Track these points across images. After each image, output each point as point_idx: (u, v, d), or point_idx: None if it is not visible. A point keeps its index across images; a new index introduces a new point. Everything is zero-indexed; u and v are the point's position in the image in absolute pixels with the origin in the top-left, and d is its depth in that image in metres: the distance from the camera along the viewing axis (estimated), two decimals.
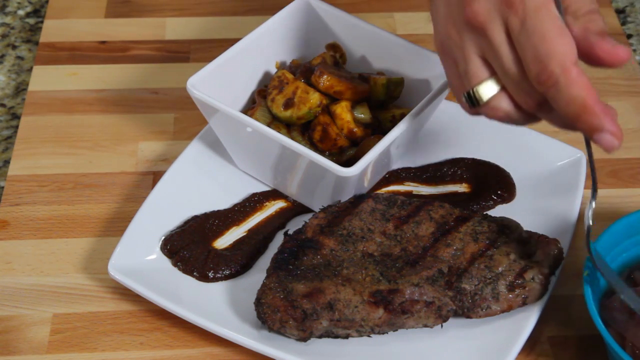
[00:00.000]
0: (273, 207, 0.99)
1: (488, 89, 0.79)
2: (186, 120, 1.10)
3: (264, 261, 0.93)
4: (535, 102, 0.77)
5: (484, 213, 0.95)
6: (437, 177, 1.02)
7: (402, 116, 0.96)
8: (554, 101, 0.75)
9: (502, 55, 0.77)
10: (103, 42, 1.20)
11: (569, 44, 0.74)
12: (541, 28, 0.74)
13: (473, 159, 1.03)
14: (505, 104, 0.79)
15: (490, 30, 0.77)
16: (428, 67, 1.00)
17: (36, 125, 1.08)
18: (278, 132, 0.92)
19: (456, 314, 0.86)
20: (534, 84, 0.75)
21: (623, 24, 1.26)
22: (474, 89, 0.80)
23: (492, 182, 1.01)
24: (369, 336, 0.86)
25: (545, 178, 1.00)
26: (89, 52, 1.18)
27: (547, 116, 0.79)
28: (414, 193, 1.01)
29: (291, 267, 0.86)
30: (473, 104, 0.81)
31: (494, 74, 0.79)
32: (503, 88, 0.79)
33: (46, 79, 1.14)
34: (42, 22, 1.24)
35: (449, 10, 0.80)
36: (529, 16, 0.74)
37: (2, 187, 1.03)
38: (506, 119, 0.81)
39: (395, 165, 1.02)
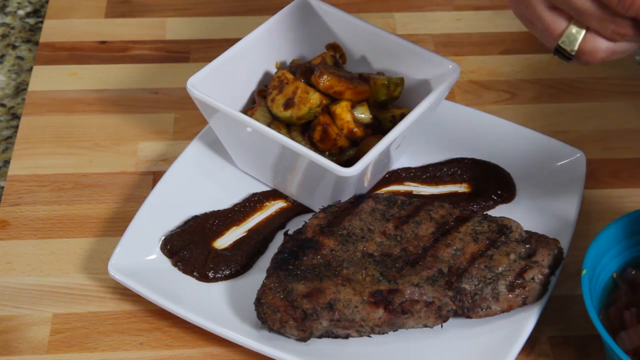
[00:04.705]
0: (273, 207, 0.99)
1: (573, 37, 0.76)
2: (186, 120, 1.10)
3: (264, 261, 0.93)
4: (629, 27, 0.74)
5: (484, 213, 0.95)
6: (437, 177, 1.02)
7: (402, 116, 0.96)
8: None
9: None
10: (103, 42, 1.20)
11: None
12: None
13: (473, 159, 1.03)
14: (600, 42, 0.76)
15: None
16: (428, 67, 1.00)
17: (36, 125, 1.08)
18: (278, 132, 0.92)
19: (456, 314, 0.86)
20: (621, 13, 0.72)
21: None
22: (560, 43, 0.76)
23: (492, 182, 1.00)
24: (369, 336, 0.86)
25: (545, 178, 1.00)
26: (89, 52, 1.18)
27: None
28: (414, 193, 1.00)
29: (291, 267, 0.86)
30: (568, 57, 0.77)
31: (571, 19, 0.75)
32: (588, 29, 0.75)
33: (46, 79, 1.14)
34: (42, 22, 1.24)
35: None
36: None
37: (2, 187, 1.03)
38: (613, 55, 0.76)
39: (395, 165, 1.02)
